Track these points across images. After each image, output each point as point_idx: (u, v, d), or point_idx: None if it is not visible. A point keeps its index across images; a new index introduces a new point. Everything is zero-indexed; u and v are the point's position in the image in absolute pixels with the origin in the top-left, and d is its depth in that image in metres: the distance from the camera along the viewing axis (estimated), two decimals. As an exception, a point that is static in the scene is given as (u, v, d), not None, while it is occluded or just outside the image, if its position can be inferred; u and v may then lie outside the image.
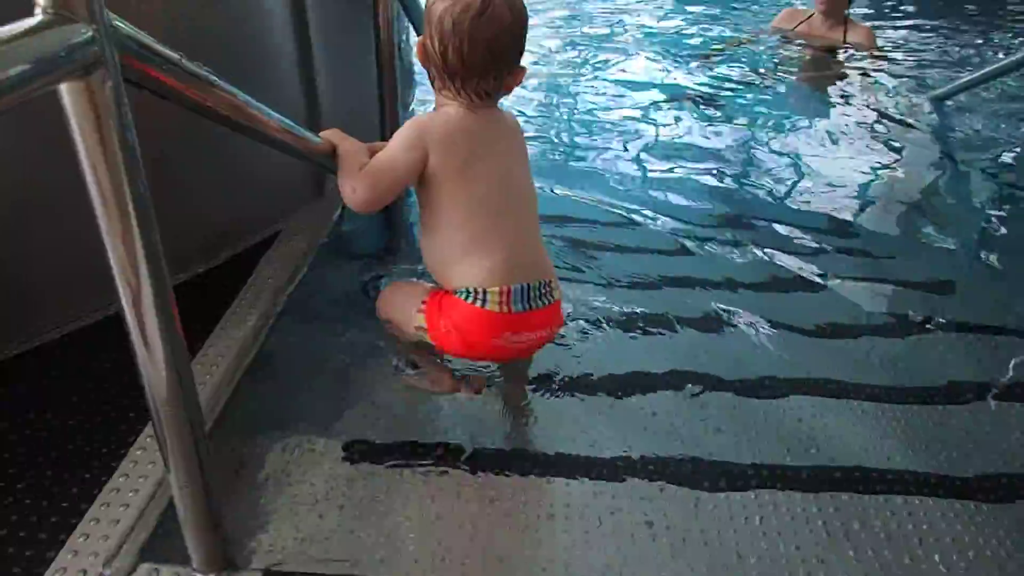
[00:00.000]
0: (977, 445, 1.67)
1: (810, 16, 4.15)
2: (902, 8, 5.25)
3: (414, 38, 3.26)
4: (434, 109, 1.59)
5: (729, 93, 3.78)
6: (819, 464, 1.62)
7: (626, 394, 1.80)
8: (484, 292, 1.50)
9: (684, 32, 4.89)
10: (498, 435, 1.69)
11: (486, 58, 1.45)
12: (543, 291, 1.55)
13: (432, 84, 1.57)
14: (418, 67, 3.51)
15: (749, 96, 3.74)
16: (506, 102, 1.73)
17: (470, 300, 1.51)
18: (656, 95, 3.77)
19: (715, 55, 4.32)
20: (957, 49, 4.45)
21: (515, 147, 1.61)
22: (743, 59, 4.21)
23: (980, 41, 4.62)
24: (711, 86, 3.88)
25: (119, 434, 1.60)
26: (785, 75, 3.96)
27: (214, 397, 1.72)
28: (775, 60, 4.14)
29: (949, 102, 3.56)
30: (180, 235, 2.09)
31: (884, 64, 4.01)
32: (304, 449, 1.63)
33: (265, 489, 1.53)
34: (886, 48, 4.28)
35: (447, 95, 1.53)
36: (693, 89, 3.84)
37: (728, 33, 4.78)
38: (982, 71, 3.44)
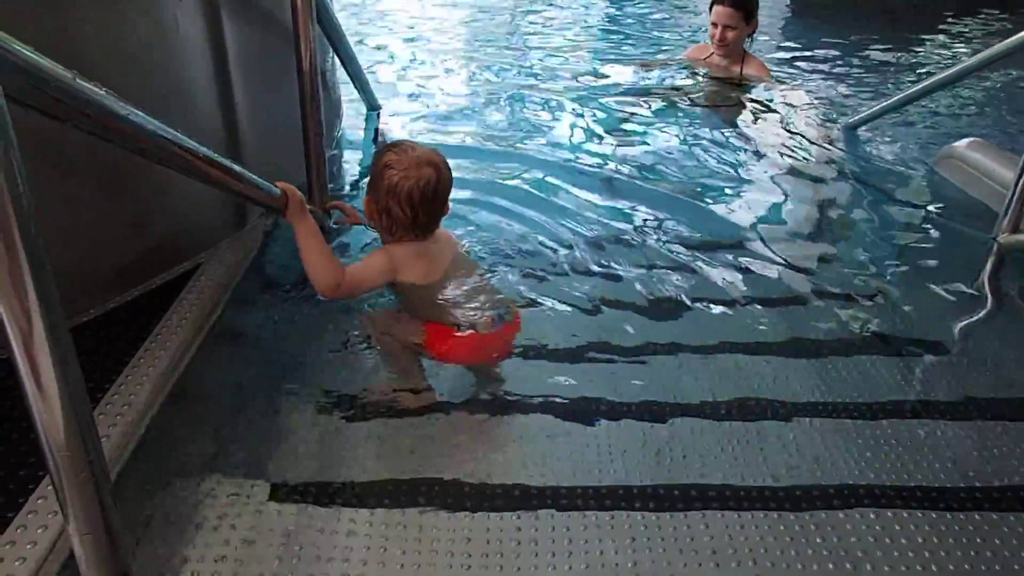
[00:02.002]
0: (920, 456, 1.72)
1: (711, 55, 4.32)
2: (814, 40, 5.47)
3: (339, 65, 3.24)
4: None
5: (646, 114, 3.86)
6: (766, 484, 1.62)
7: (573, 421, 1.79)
8: (472, 325, 1.87)
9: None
10: (436, 469, 1.64)
11: (435, 215, 1.89)
12: (507, 311, 1.94)
13: (380, 234, 1.96)
14: (346, 99, 3.52)
15: (665, 118, 3.80)
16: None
17: (462, 332, 1.86)
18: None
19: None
20: (867, 79, 4.65)
21: (453, 242, 2.05)
22: (655, 82, 4.32)
23: (889, 71, 4.84)
24: (627, 104, 3.96)
25: (18, 481, 1.48)
26: (694, 100, 4.06)
27: (125, 438, 1.61)
28: (684, 85, 4.26)
29: (862, 129, 3.70)
30: (90, 267, 2.01)
31: (799, 94, 4.16)
32: (224, 492, 1.55)
33: (182, 537, 1.44)
34: (805, 79, 4.45)
35: (404, 237, 1.89)
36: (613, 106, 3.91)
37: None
38: (891, 100, 3.57)
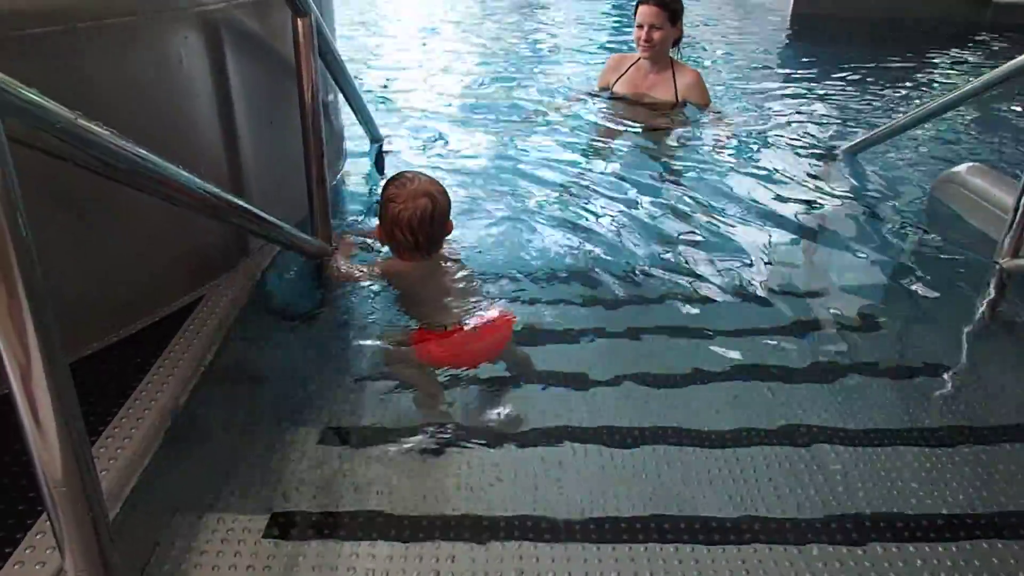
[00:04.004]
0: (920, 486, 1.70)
1: (636, 61, 4.23)
2: (813, 63, 5.51)
3: (342, 100, 3.27)
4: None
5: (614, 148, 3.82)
6: (751, 515, 1.60)
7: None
8: (445, 327, 2.09)
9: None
10: (429, 501, 1.63)
11: (435, 238, 2.21)
12: (480, 314, 2.14)
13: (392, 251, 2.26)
14: (349, 126, 3.54)
15: (638, 151, 3.78)
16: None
17: (438, 331, 2.08)
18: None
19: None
20: (867, 103, 4.68)
21: (450, 262, 2.31)
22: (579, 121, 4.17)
23: (889, 95, 4.87)
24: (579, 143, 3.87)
25: (17, 516, 1.48)
26: (639, 122, 4.01)
27: (125, 473, 1.61)
28: (612, 117, 4.15)
29: (861, 155, 3.71)
30: (91, 301, 2.01)
31: (786, 122, 4.18)
32: (225, 527, 1.54)
33: (181, 574, 1.43)
34: (803, 103, 4.46)
35: (411, 257, 2.21)
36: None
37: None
38: (891, 124, 3.59)
